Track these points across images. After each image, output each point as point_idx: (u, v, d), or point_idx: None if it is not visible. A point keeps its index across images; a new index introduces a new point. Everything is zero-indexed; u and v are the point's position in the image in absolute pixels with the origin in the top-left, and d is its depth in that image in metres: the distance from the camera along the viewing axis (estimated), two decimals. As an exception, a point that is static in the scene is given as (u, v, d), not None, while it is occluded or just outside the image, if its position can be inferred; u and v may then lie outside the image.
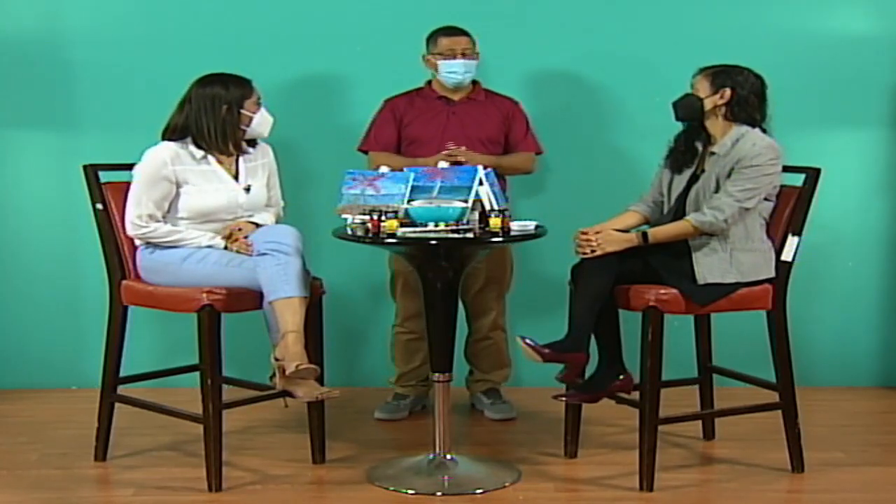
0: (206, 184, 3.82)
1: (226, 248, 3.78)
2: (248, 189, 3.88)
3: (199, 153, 3.82)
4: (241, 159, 3.91)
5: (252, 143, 3.96)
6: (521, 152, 4.42)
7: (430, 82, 4.44)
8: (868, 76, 4.84)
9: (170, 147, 3.81)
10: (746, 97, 3.78)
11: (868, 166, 4.92)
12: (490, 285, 4.50)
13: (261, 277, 3.64)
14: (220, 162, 3.86)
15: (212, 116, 3.80)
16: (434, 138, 4.31)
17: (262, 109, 3.89)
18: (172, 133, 3.83)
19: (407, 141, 4.40)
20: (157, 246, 3.80)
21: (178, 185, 3.79)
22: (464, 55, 4.30)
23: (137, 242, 3.85)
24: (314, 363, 3.62)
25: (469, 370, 4.65)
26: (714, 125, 3.82)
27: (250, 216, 3.91)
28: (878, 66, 4.83)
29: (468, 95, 4.41)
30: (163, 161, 3.78)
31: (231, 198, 3.85)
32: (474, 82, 4.44)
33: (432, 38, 4.36)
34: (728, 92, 3.77)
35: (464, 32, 4.34)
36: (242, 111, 3.84)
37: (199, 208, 3.81)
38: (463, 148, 4.13)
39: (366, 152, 4.45)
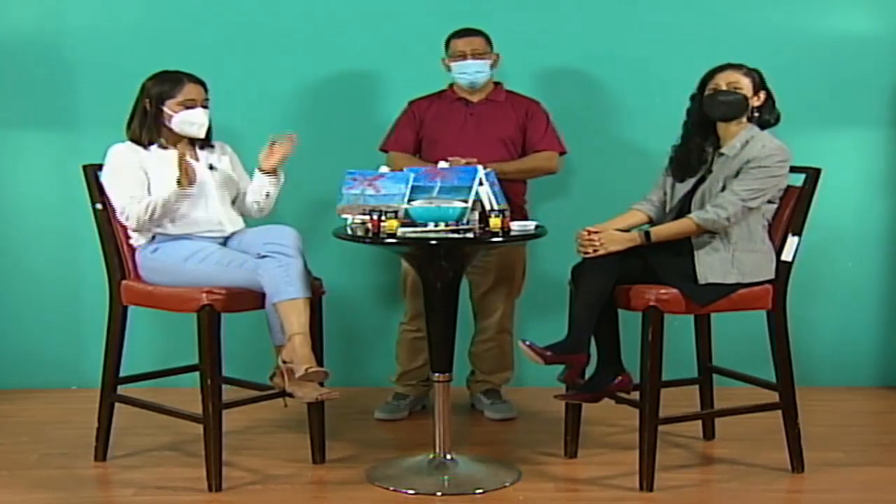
0: (168, 166, 3.80)
1: (179, 182, 3.73)
2: (211, 167, 3.88)
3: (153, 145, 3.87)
4: (198, 149, 3.93)
5: (209, 145, 3.95)
6: (541, 151, 4.42)
7: (451, 85, 4.46)
8: (868, 76, 4.83)
9: (125, 144, 3.86)
10: (774, 101, 3.80)
11: (868, 166, 4.92)
12: (499, 286, 4.50)
13: (263, 280, 3.65)
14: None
15: (140, 109, 3.85)
16: (452, 139, 4.32)
17: (193, 111, 3.83)
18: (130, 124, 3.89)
19: (426, 141, 4.41)
20: (159, 237, 3.80)
21: (146, 172, 3.81)
22: (474, 55, 4.32)
23: (138, 242, 3.85)
24: (319, 364, 3.62)
25: (471, 370, 4.64)
26: (729, 126, 3.80)
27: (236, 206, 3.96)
28: (878, 66, 4.83)
29: (487, 97, 4.42)
30: (124, 152, 3.83)
31: (198, 174, 3.82)
32: (496, 83, 4.45)
33: (448, 42, 4.39)
34: (764, 95, 3.78)
35: (477, 33, 4.35)
36: (163, 108, 3.84)
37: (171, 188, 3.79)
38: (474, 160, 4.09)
39: (386, 151, 4.45)
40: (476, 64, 4.33)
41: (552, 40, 4.79)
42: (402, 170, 3.86)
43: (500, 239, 3.69)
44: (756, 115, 3.80)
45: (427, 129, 4.41)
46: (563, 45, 4.80)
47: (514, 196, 4.32)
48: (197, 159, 3.90)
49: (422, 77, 4.53)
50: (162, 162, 3.82)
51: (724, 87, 3.78)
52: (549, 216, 4.49)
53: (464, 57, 4.33)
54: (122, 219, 3.80)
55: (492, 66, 4.38)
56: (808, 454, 3.90)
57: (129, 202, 3.76)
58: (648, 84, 4.77)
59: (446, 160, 4.00)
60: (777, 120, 3.84)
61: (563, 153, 4.48)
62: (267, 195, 3.96)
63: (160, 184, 3.78)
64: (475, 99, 4.42)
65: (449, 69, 4.39)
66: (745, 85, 3.77)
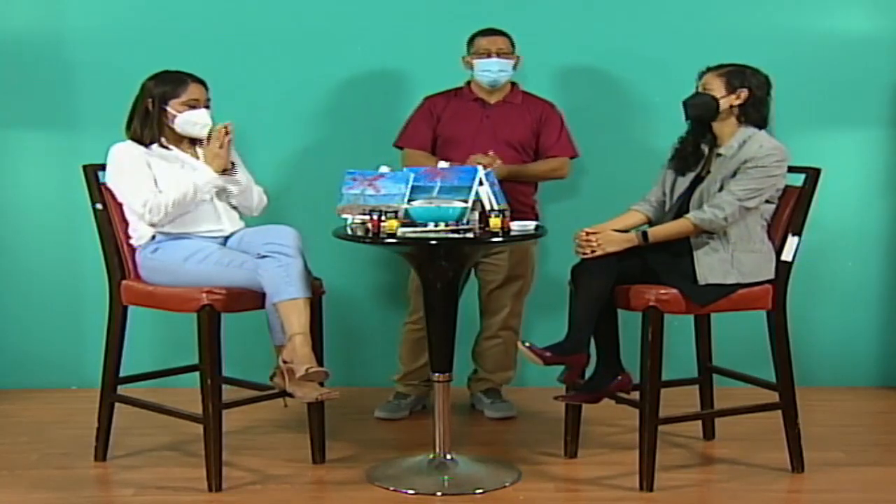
0: (173, 165, 3.82)
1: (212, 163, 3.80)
2: None
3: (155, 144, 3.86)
4: (198, 149, 3.91)
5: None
6: (553, 157, 4.42)
7: (469, 83, 4.46)
8: (868, 76, 4.84)
9: (126, 143, 3.85)
10: (761, 98, 3.78)
11: (868, 166, 4.92)
12: (509, 283, 4.50)
13: (263, 280, 3.64)
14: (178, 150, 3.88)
15: (140, 108, 3.85)
16: (466, 139, 4.33)
17: (197, 111, 3.83)
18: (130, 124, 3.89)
19: (441, 139, 4.41)
20: (160, 237, 3.80)
21: (151, 169, 3.80)
22: (498, 54, 4.33)
23: (139, 242, 3.84)
24: (319, 364, 3.62)
25: (473, 369, 4.64)
26: (722, 126, 3.80)
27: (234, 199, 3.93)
28: (878, 66, 4.83)
29: (504, 98, 4.43)
30: (128, 149, 3.82)
31: (200, 175, 3.81)
32: (513, 84, 4.46)
33: (471, 40, 4.40)
34: (745, 93, 3.77)
35: (501, 33, 4.38)
36: (166, 108, 3.84)
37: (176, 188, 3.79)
38: (491, 152, 4.08)
39: (401, 148, 4.46)
40: (500, 63, 4.34)
41: (564, 40, 4.79)
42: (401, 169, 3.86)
43: (499, 239, 3.69)
44: (737, 113, 3.78)
45: (443, 128, 4.41)
46: (575, 44, 4.80)
47: (523, 196, 4.34)
48: (198, 158, 3.90)
49: (428, 77, 4.55)
50: (164, 161, 3.82)
51: (700, 91, 3.81)
52: (560, 216, 4.50)
53: (488, 55, 4.34)
54: (143, 212, 3.76)
55: (514, 67, 4.39)
56: (808, 454, 3.90)
57: (150, 195, 3.75)
58: (658, 84, 4.75)
59: (486, 155, 4.02)
60: (764, 118, 3.82)
61: (574, 157, 4.49)
62: (229, 194, 3.92)
63: (164, 182, 3.78)
64: (492, 100, 4.42)
65: (470, 66, 4.39)
66: (716, 86, 3.78)
